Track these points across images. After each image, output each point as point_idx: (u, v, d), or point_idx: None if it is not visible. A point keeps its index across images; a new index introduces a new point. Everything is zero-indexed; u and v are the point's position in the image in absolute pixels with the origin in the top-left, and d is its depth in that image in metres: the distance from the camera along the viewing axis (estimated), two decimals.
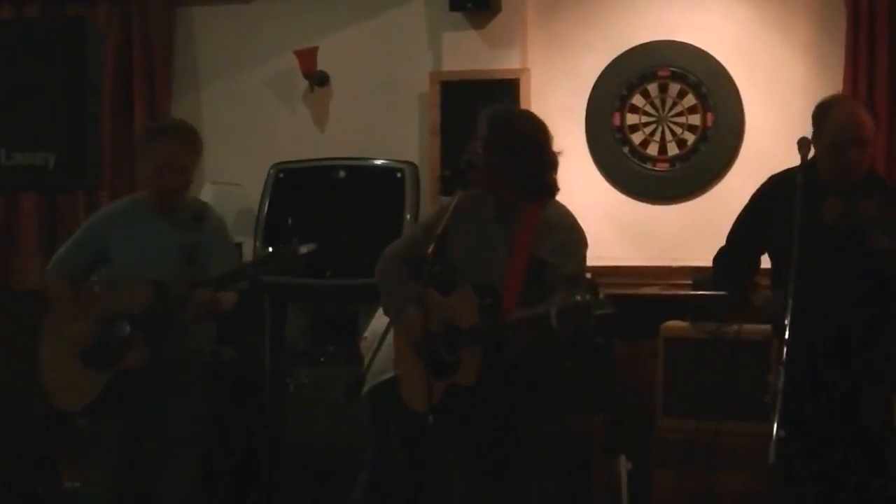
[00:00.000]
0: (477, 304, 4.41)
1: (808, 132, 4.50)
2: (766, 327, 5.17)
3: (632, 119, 6.78)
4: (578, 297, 4.04)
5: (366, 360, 5.18)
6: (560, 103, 6.72)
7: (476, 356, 4.38)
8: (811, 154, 4.39)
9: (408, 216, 6.55)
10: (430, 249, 4.37)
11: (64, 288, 5.00)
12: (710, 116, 6.66)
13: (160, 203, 4.98)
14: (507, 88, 6.74)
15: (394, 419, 5.52)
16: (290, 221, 6.72)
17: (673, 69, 6.72)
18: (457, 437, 4.58)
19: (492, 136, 4.54)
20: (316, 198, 6.72)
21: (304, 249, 4.69)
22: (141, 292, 4.81)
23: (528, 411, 4.47)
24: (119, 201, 5.29)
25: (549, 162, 4.58)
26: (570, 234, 4.50)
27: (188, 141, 5.01)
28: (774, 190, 4.61)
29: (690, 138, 6.69)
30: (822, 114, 4.47)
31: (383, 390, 5.55)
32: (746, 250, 4.69)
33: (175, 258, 4.86)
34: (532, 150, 4.53)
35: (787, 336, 3.90)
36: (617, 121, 6.79)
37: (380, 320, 5.55)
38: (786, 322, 3.96)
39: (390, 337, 4.82)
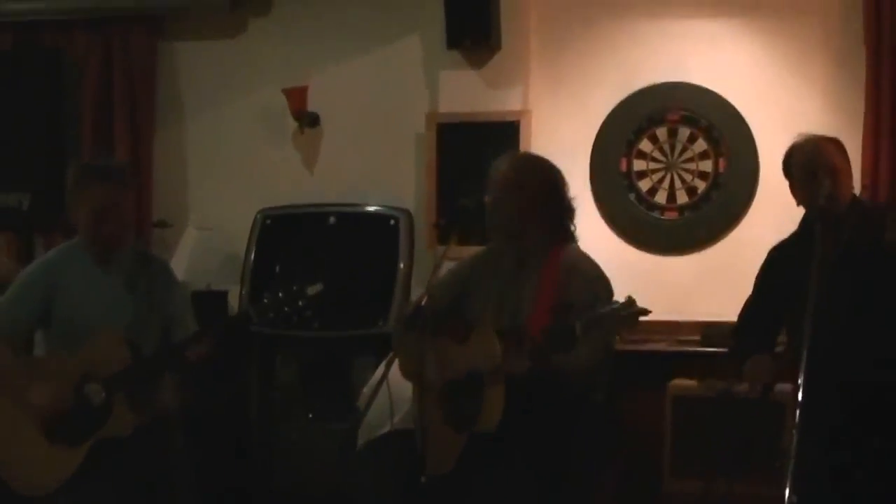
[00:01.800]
0: (499, 346, 4.51)
1: None
2: (780, 386, 5.20)
3: (639, 165, 6.85)
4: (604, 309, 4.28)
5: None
6: (563, 147, 6.75)
7: (499, 398, 4.47)
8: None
9: (401, 265, 6.63)
10: (421, 299, 4.52)
11: (8, 352, 4.63)
12: (722, 162, 6.73)
13: (102, 251, 4.77)
14: (508, 130, 6.84)
15: (391, 475, 5.57)
16: (278, 270, 6.78)
17: (683, 112, 6.80)
18: (481, 492, 4.65)
19: (516, 181, 4.71)
20: (305, 245, 6.79)
21: (311, 291, 4.63)
22: (112, 349, 4.58)
23: (556, 457, 4.56)
24: (55, 250, 5.00)
25: (568, 208, 4.82)
26: (596, 279, 4.70)
27: (128, 182, 4.85)
28: (778, 260, 4.70)
29: (701, 186, 6.77)
30: (787, 159, 4.68)
31: (379, 445, 5.62)
32: (768, 327, 4.73)
33: (128, 310, 4.70)
34: (554, 195, 4.75)
35: (800, 398, 3.95)
36: (624, 167, 6.86)
37: (379, 373, 5.61)
38: (800, 382, 4.01)
39: (385, 390, 4.90)
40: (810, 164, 4.55)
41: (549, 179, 4.82)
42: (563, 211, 4.83)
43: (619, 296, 4.57)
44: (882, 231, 4.34)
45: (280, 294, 4.64)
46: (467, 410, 4.58)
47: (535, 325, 4.52)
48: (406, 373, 4.84)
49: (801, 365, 4.03)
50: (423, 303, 4.82)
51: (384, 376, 4.64)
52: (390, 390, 5.06)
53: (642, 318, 4.62)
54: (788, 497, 3.82)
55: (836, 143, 4.66)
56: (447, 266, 5.08)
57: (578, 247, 4.85)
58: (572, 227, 4.86)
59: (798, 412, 3.94)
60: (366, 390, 5.79)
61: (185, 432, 4.94)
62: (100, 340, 4.61)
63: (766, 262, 4.78)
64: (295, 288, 4.62)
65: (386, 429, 5.54)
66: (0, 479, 4.57)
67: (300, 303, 4.63)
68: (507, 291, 4.73)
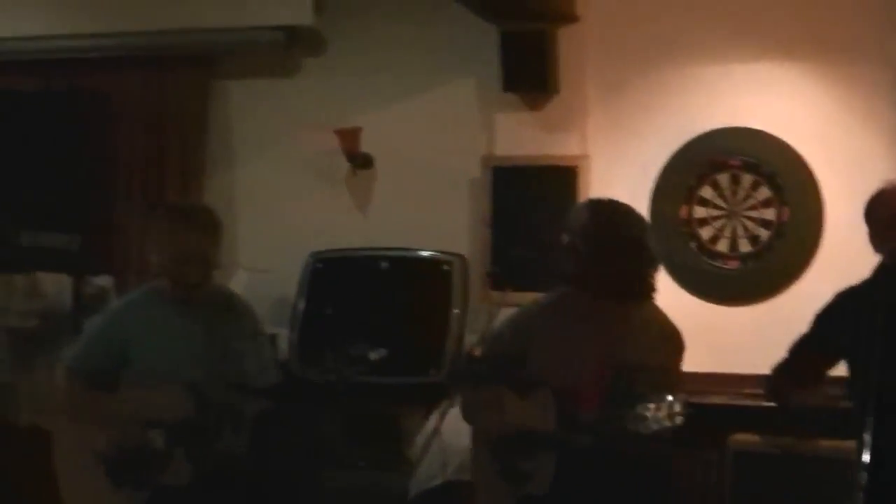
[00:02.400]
0: (554, 409, 4.48)
1: None
2: (848, 443, 5.16)
3: (700, 212, 6.84)
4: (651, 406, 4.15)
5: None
6: (622, 193, 6.56)
7: (550, 463, 4.46)
8: None
9: (455, 311, 6.62)
10: (474, 349, 4.49)
11: (81, 390, 4.82)
12: (786, 211, 6.70)
13: (181, 295, 4.83)
14: (565, 175, 6.85)
15: None
16: (329, 313, 6.80)
17: (745, 158, 6.77)
18: None
19: (593, 234, 4.62)
20: (357, 290, 6.82)
21: (374, 356, 4.63)
22: (175, 398, 4.64)
23: None
24: (135, 293, 5.13)
25: (650, 262, 4.68)
26: (665, 341, 4.60)
27: (213, 228, 4.87)
28: (845, 305, 4.65)
29: (764, 234, 6.73)
30: (871, 204, 4.61)
31: (431, 497, 5.62)
32: (811, 371, 4.71)
33: (205, 356, 4.74)
34: (635, 248, 4.63)
35: (865, 457, 3.89)
36: (684, 214, 6.85)
37: (432, 423, 5.62)
38: (865, 438, 3.96)
39: (438, 441, 4.91)
40: (887, 210, 4.49)
41: (630, 230, 4.70)
42: (644, 264, 4.72)
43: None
44: None
45: (341, 356, 4.63)
46: (521, 468, 4.56)
47: (595, 387, 4.48)
48: (468, 418, 4.82)
49: (866, 422, 3.97)
50: (476, 352, 4.81)
51: (437, 427, 4.64)
52: (443, 441, 5.07)
53: (700, 370, 4.58)
54: None
55: None
56: (504, 313, 5.07)
57: (656, 304, 4.75)
58: (653, 281, 4.74)
59: (864, 473, 3.88)
60: (419, 440, 5.80)
61: (244, 485, 4.94)
62: (165, 387, 4.66)
63: (832, 304, 4.73)
64: (356, 349, 4.61)
65: (438, 480, 5.55)
66: None
67: (361, 367, 4.63)
68: (571, 346, 4.64)
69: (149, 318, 4.85)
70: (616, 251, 4.62)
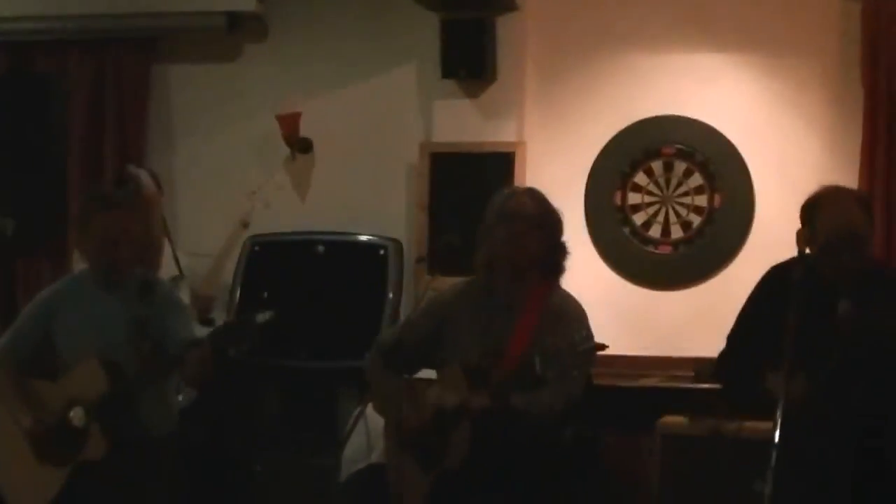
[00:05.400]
0: (465, 382, 4.59)
1: None
2: (769, 425, 5.26)
3: (634, 198, 6.97)
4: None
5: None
6: (558, 179, 6.82)
7: (465, 435, 4.56)
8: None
9: (390, 295, 6.73)
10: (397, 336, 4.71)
11: (8, 377, 4.95)
12: (717, 198, 6.84)
13: (105, 278, 4.98)
14: (502, 162, 6.94)
15: None
16: (265, 297, 6.86)
17: (679, 146, 6.91)
18: None
19: (539, 219, 4.78)
20: (293, 273, 6.91)
21: (260, 318, 4.74)
22: (93, 376, 4.79)
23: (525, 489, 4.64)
24: (60, 281, 5.29)
25: (558, 247, 4.80)
26: (577, 322, 4.70)
27: (132, 208, 5.05)
28: (778, 283, 4.69)
29: (696, 220, 6.87)
30: (811, 213, 4.53)
31: (359, 480, 5.70)
32: (753, 354, 4.67)
33: (125, 335, 4.83)
34: (560, 235, 4.79)
35: (776, 438, 3.97)
36: (618, 200, 6.98)
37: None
38: (777, 422, 4.04)
39: (363, 424, 4.99)
40: (838, 232, 4.41)
41: (560, 219, 4.88)
42: (561, 250, 4.89)
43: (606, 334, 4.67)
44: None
45: (228, 322, 4.75)
46: (434, 449, 4.66)
47: (510, 365, 4.60)
48: (378, 409, 4.93)
49: (780, 404, 4.05)
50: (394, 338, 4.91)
51: (361, 410, 4.73)
52: (368, 425, 5.17)
53: (632, 354, 4.68)
54: None
55: (862, 203, 4.55)
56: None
57: (564, 289, 4.88)
58: (564, 266, 4.90)
59: (774, 454, 3.95)
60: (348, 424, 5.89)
61: (164, 458, 5.05)
62: (85, 368, 4.81)
63: (760, 283, 4.74)
64: (243, 316, 4.73)
65: (364, 464, 5.63)
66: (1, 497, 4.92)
67: (248, 330, 4.75)
68: (485, 330, 4.77)
69: (72, 303, 4.99)
70: (550, 238, 4.76)
